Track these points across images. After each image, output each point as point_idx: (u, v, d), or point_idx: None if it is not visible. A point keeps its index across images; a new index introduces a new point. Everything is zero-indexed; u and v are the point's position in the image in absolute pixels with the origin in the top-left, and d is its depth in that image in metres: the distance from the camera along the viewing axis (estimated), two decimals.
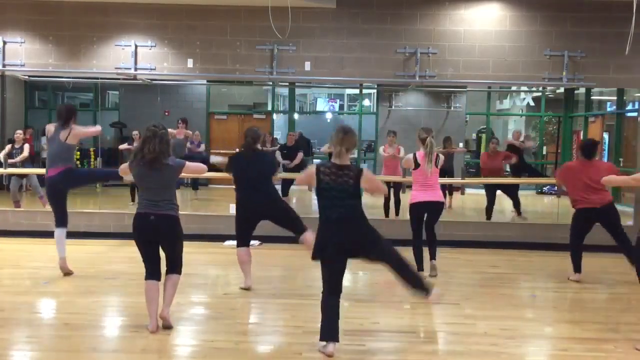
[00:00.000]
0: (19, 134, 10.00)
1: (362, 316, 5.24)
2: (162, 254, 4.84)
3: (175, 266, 4.88)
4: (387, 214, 9.60)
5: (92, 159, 12.74)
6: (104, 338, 4.76)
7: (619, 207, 11.91)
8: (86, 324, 4.91)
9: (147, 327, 4.73)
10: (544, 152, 15.60)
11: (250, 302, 5.74)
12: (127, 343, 4.57)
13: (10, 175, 9.78)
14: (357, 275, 7.01)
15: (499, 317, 5.33)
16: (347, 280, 6.98)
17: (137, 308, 5.36)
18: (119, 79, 9.05)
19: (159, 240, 4.80)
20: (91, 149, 12.88)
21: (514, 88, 14.31)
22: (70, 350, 4.36)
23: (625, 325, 5.23)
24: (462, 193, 11.64)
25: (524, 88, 14.07)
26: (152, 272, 4.81)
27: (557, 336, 4.99)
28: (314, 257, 4.44)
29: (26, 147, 9.81)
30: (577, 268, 6.81)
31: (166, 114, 12.02)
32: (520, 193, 14.15)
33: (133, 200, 10.83)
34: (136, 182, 4.86)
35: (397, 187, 9.65)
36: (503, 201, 10.78)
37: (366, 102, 16.50)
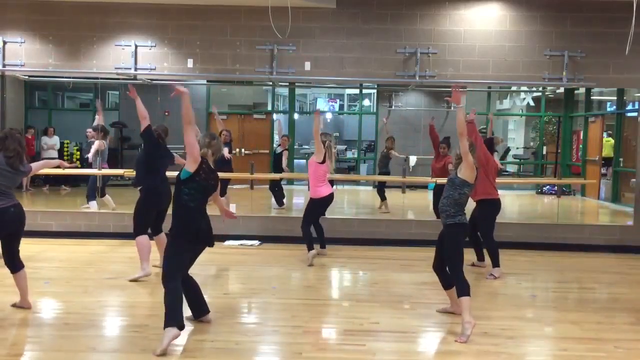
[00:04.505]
0: (89, 132, 10.49)
1: (362, 316, 5.23)
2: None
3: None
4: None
5: None
6: (104, 338, 4.75)
7: (618, 207, 11.93)
8: (86, 324, 4.91)
9: None
10: (544, 152, 15.60)
11: (251, 302, 5.74)
12: (127, 343, 4.57)
13: None
14: (357, 275, 7.01)
15: (499, 317, 5.33)
16: (347, 280, 7.04)
17: (137, 308, 5.37)
18: (119, 79, 9.04)
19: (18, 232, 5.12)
20: None
21: (514, 88, 14.29)
22: (70, 350, 4.36)
23: (625, 325, 5.23)
24: None
25: (524, 88, 14.05)
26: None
27: (557, 336, 4.99)
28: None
29: (96, 143, 9.81)
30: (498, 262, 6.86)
31: (166, 114, 11.99)
32: (521, 193, 14.12)
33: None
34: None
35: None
36: (504, 201, 10.75)
37: (366, 102, 16.50)
